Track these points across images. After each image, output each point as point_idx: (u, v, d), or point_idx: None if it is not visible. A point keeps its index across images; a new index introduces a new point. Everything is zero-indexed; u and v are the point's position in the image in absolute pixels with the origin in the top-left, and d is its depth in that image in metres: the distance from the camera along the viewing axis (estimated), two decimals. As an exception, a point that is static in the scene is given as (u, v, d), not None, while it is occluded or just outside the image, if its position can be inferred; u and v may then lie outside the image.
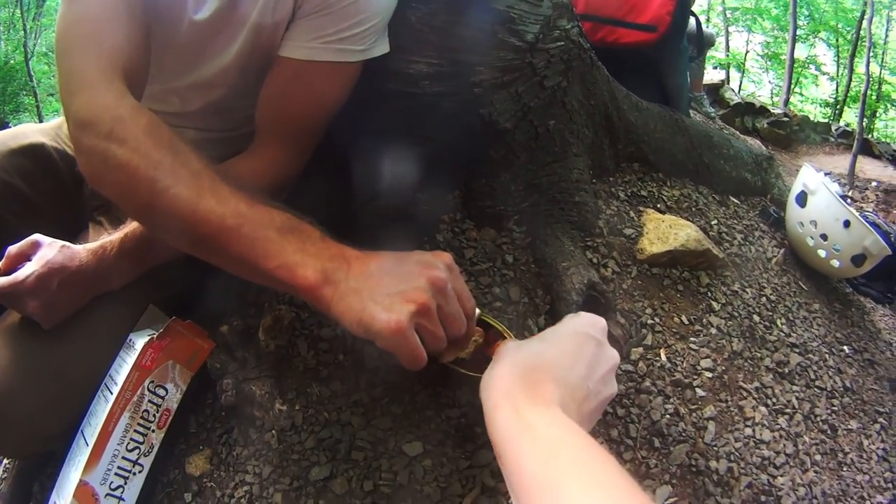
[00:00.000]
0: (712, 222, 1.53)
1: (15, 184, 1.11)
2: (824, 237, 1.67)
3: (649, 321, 1.16)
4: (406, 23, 1.01)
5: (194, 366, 1.04)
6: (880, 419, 1.56)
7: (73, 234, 1.10)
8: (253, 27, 0.97)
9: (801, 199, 1.69)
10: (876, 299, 1.97)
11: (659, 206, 1.39)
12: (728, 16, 13.44)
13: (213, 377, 1.04)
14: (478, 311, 0.84)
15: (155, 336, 0.98)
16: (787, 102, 8.92)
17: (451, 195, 1.14)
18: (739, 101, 6.29)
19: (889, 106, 12.35)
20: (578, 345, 0.69)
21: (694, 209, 1.50)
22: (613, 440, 1.02)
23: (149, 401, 0.99)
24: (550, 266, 1.07)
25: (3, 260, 0.95)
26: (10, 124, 10.91)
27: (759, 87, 13.86)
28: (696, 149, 1.59)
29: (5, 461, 1.34)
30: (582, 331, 0.71)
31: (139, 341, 0.98)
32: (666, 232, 1.25)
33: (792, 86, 10.60)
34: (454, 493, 0.91)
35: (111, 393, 0.96)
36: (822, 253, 1.69)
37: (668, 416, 1.11)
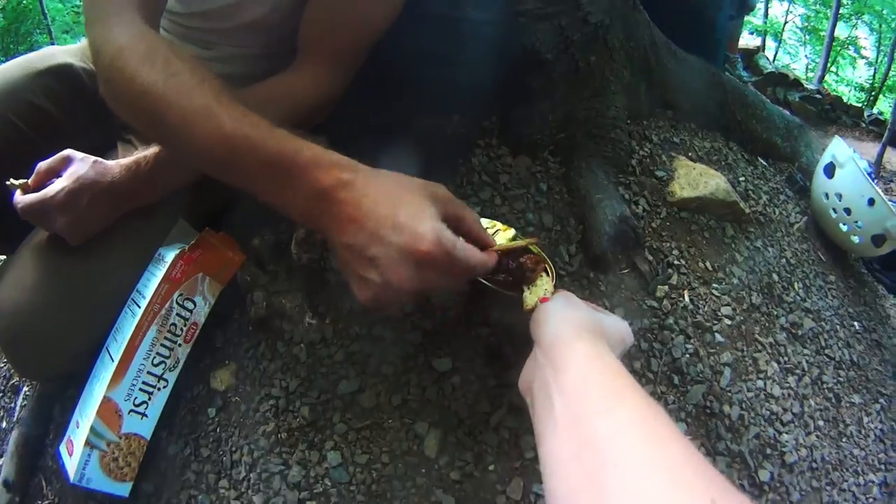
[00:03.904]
0: (740, 178, 1.57)
1: (43, 105, 1.11)
2: (847, 211, 1.70)
3: (675, 262, 1.21)
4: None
5: (224, 278, 1.04)
6: (881, 399, 1.60)
7: (102, 153, 1.07)
8: None
9: (829, 170, 1.72)
10: (888, 288, 2.00)
11: (690, 154, 1.43)
12: (771, -18, 13.15)
13: (242, 290, 1.05)
14: (512, 232, 0.87)
15: (186, 248, 0.98)
16: (821, 80, 8.82)
17: (487, 121, 1.18)
18: (773, 70, 6.24)
19: (926, 100, 12.24)
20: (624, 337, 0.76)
21: (723, 163, 1.54)
22: (636, 372, 1.06)
23: (177, 314, 1.00)
24: (584, 197, 1.11)
25: (32, 175, 0.95)
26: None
27: (795, 59, 13.62)
28: (730, 105, 1.62)
29: (25, 389, 1.35)
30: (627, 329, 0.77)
31: (169, 254, 0.98)
32: (696, 179, 1.30)
33: (828, 64, 10.47)
34: (481, 410, 0.94)
35: (139, 307, 0.97)
36: (843, 227, 1.72)
37: (688, 355, 1.17)
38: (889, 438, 1.57)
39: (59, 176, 0.94)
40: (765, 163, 1.76)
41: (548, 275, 0.85)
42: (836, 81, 12.48)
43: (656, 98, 1.39)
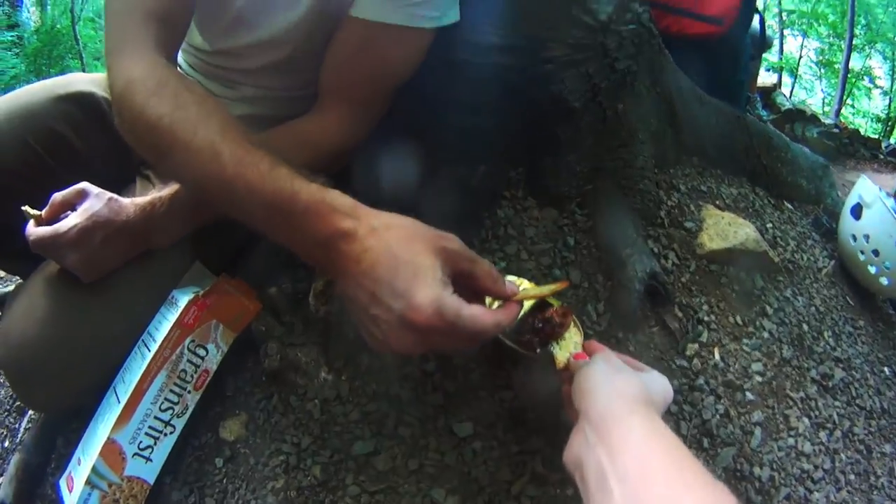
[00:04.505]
0: (767, 225, 1.54)
1: (62, 131, 1.09)
2: (876, 252, 1.66)
3: (705, 318, 1.17)
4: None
5: (238, 327, 1.02)
6: None
7: (119, 187, 1.07)
8: None
9: (856, 212, 1.68)
10: None
11: (717, 202, 1.39)
12: (784, 18, 13.26)
13: (256, 340, 1.02)
14: (542, 288, 0.85)
15: (200, 293, 0.96)
16: (838, 113, 8.83)
17: (514, 171, 1.16)
18: (791, 107, 6.22)
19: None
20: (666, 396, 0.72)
21: (750, 210, 1.51)
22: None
23: (188, 360, 0.97)
24: (612, 252, 1.08)
25: (46, 207, 0.92)
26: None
27: (811, 94, 13.67)
28: (756, 149, 1.59)
29: (30, 412, 1.33)
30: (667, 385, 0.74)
31: (183, 298, 0.96)
32: (725, 229, 1.26)
33: (844, 96, 10.51)
34: (503, 478, 0.89)
35: (148, 350, 0.94)
36: (872, 269, 1.68)
37: (718, 416, 1.12)
38: (920, 488, 1.49)
39: (73, 209, 0.92)
40: (791, 206, 1.72)
41: (577, 327, 0.81)
42: (853, 114, 12.48)
43: (682, 144, 1.36)
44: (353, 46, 0.99)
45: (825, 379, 1.41)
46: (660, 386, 0.72)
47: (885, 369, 1.70)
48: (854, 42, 10.47)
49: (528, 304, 0.82)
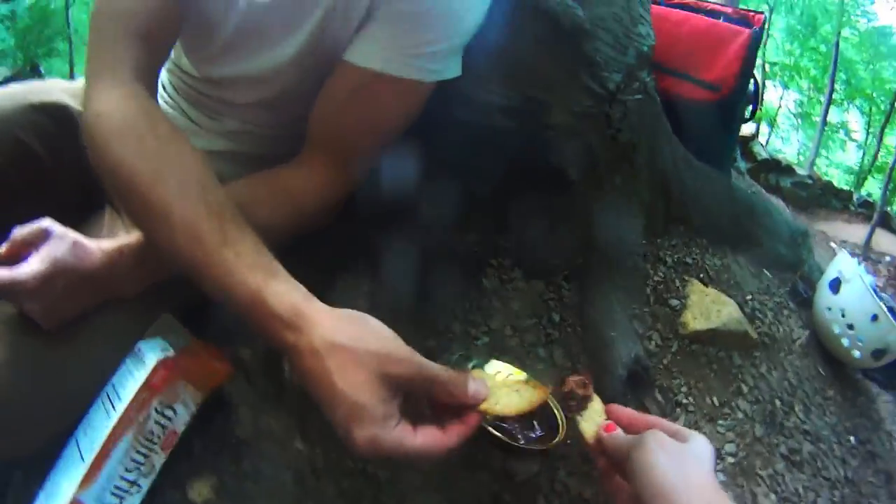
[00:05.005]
0: (747, 297, 1.55)
1: (31, 144, 1.01)
2: (850, 327, 1.72)
3: (683, 400, 1.17)
4: (484, 49, 0.94)
5: (208, 388, 0.98)
6: None
7: (86, 213, 1.02)
8: (320, 20, 0.90)
9: (835, 286, 1.73)
10: (881, 384, 2.06)
11: (702, 276, 1.41)
12: (766, 69, 13.67)
13: (226, 402, 1.00)
14: (524, 376, 0.83)
15: (171, 355, 0.92)
16: (812, 164, 9.11)
17: (502, 239, 1.15)
18: (767, 157, 6.44)
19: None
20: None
21: (732, 281, 1.52)
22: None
23: (155, 421, 0.93)
24: (598, 333, 1.08)
25: (6, 243, 0.85)
26: (40, 67, 10.80)
27: (787, 143, 14.12)
28: (741, 217, 1.62)
29: None
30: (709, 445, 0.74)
31: (150, 355, 0.91)
32: (709, 307, 1.27)
33: (819, 148, 10.86)
34: None
35: (113, 408, 0.89)
36: (845, 342, 1.73)
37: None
38: (881, 550, 1.45)
39: (36, 249, 0.85)
40: (769, 275, 1.75)
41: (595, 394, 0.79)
42: (827, 165, 12.92)
43: (670, 213, 1.37)
44: (347, 94, 0.93)
45: (793, 453, 1.44)
46: (707, 453, 0.73)
47: (852, 438, 1.76)
48: (834, 97, 10.80)
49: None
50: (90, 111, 0.79)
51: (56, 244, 0.85)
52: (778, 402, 1.46)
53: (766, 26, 1.81)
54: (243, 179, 0.93)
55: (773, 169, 6.08)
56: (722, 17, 1.76)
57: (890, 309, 1.76)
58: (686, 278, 1.28)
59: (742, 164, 4.11)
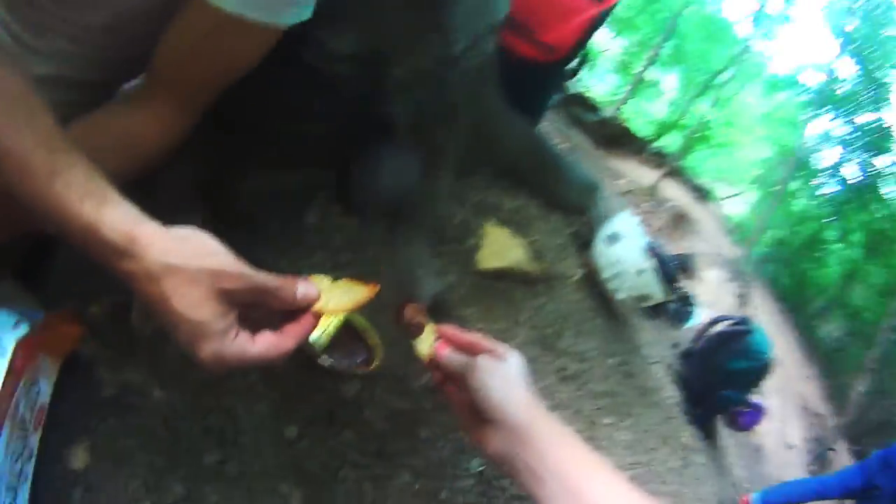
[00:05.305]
0: (536, 237, 1.87)
1: None
2: (618, 275, 2.11)
3: (476, 326, 1.42)
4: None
5: (63, 352, 1.04)
6: (630, 419, 2.03)
7: None
8: None
9: (613, 239, 2.11)
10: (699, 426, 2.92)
11: (500, 215, 1.65)
12: (605, 13, 14.56)
13: (82, 361, 1.07)
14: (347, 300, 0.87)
15: (24, 333, 0.89)
16: (618, 109, 9.93)
17: (327, 175, 1.27)
18: (576, 92, 6.91)
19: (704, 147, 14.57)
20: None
21: (524, 222, 1.83)
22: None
23: (25, 405, 0.91)
24: (406, 269, 1.27)
25: None
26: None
27: (600, 82, 15.16)
28: (541, 165, 1.88)
29: None
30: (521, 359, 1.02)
31: (6, 337, 0.85)
32: (501, 248, 1.55)
33: (631, 97, 11.89)
34: (330, 467, 1.18)
35: None
36: (612, 286, 2.12)
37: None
38: (634, 445, 2.07)
39: None
40: (557, 217, 2.04)
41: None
42: (635, 113, 14.01)
43: (479, 158, 1.56)
44: (198, 33, 0.93)
45: (562, 371, 1.82)
46: (522, 367, 0.94)
47: (612, 359, 2.20)
48: (661, 56, 11.83)
49: (336, 320, 0.86)
50: None
51: None
52: (551, 329, 1.74)
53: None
54: (80, 125, 0.94)
55: (580, 103, 6.59)
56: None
57: (661, 260, 2.12)
58: (484, 218, 1.48)
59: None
